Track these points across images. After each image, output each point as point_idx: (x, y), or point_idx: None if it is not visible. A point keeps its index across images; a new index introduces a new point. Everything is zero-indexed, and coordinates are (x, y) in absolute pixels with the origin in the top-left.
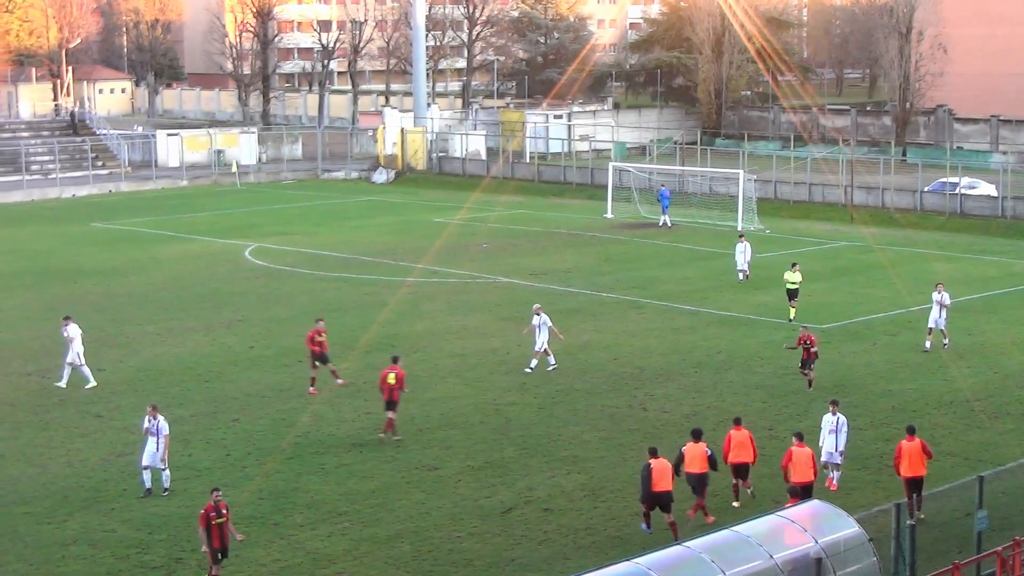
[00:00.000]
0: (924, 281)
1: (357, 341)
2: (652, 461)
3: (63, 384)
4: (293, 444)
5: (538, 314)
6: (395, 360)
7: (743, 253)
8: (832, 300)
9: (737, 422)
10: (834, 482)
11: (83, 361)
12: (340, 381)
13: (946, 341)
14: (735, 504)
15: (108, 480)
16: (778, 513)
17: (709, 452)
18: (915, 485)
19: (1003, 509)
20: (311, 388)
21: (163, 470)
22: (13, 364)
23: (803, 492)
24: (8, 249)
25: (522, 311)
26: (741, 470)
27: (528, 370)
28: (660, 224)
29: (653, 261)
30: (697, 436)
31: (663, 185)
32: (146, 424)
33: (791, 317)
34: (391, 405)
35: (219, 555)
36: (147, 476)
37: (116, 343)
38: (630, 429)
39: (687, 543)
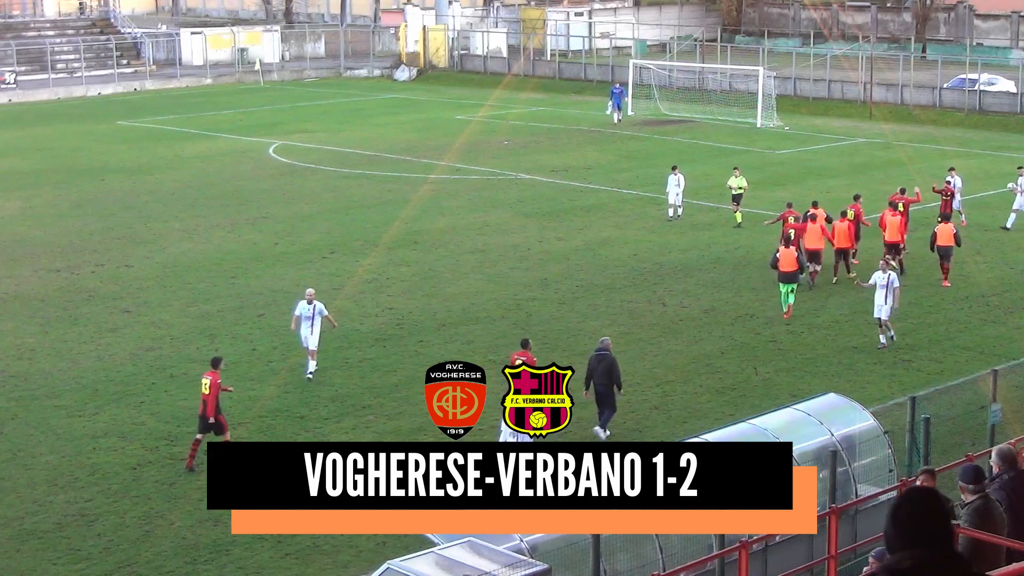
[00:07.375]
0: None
1: (380, 237)
2: (782, 248)
3: None
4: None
5: (310, 301)
6: (215, 364)
7: (677, 186)
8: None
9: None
10: None
11: None
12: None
13: (892, 334)
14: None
15: (137, 374)
16: (794, 406)
17: (798, 254)
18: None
19: (1016, 403)
20: None
21: None
22: (43, 260)
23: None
24: (36, 147)
25: (543, 207)
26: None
27: (309, 376)
28: (615, 120)
29: (673, 158)
30: (787, 242)
31: (618, 83)
32: None
33: (738, 222)
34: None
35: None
36: None
37: (143, 240)
38: (649, 324)
39: (700, 435)
